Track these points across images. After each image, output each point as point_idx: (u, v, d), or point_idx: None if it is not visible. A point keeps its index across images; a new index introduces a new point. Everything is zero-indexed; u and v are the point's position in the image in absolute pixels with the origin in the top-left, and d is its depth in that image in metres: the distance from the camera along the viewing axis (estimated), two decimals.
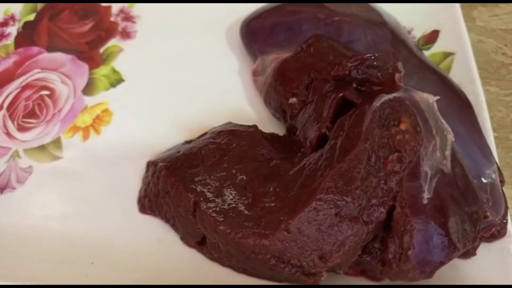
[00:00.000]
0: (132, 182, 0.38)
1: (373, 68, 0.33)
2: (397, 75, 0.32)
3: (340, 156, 0.30)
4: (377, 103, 0.30)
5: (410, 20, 0.47)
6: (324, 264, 0.30)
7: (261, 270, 0.33)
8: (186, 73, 0.43)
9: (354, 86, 0.34)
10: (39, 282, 0.32)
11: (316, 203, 0.29)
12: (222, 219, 0.32)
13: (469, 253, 0.35)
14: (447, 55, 0.45)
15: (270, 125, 0.41)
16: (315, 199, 0.29)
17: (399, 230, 0.30)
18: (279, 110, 0.40)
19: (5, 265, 0.33)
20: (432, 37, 0.47)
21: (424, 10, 0.48)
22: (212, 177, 0.33)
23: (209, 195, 0.33)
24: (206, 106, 0.42)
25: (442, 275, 0.33)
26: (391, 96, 0.30)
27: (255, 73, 0.42)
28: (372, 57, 0.33)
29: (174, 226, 0.35)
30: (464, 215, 0.31)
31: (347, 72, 0.33)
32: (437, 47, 0.46)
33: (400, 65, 0.32)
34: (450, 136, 0.32)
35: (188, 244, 0.35)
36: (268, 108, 0.42)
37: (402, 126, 0.29)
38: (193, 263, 0.34)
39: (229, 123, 0.39)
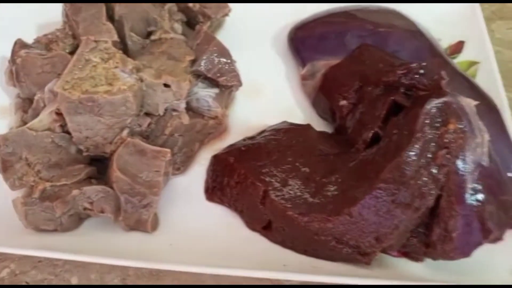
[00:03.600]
0: (196, 175, 0.42)
1: (420, 75, 0.38)
2: (443, 81, 0.36)
3: (397, 151, 0.35)
4: (428, 105, 0.35)
5: (438, 31, 0.53)
6: (379, 245, 0.35)
7: (321, 251, 0.37)
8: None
9: (402, 91, 0.39)
10: (125, 259, 0.36)
11: (376, 192, 0.34)
12: (290, 205, 0.36)
13: (496, 238, 0.40)
14: (472, 64, 0.50)
15: (316, 124, 0.45)
16: (376, 188, 0.34)
17: (445, 215, 0.35)
18: (328, 111, 0.44)
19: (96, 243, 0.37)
20: (458, 47, 0.52)
21: (450, 22, 0.53)
22: (278, 169, 0.38)
23: (276, 185, 0.37)
24: (260, 106, 0.47)
25: (476, 257, 0.37)
26: (440, 100, 0.35)
27: (304, 77, 0.47)
28: (419, 66, 0.38)
29: (241, 212, 0.39)
30: (499, 203, 0.36)
31: (397, 78, 0.38)
32: (463, 57, 0.51)
33: (444, 73, 0.37)
34: (487, 136, 0.37)
35: (253, 228, 0.39)
36: (315, 109, 0.47)
37: (450, 126, 0.34)
38: (258, 245, 0.39)
39: (285, 122, 0.44)
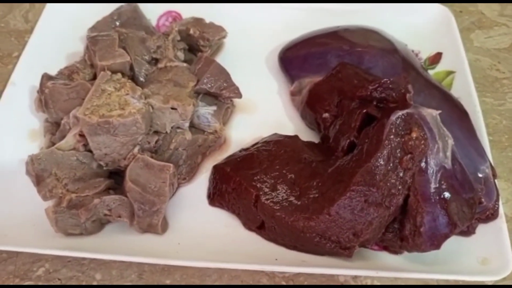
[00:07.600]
0: (200, 183, 0.48)
1: (389, 89, 0.43)
2: (408, 95, 0.41)
3: (367, 158, 0.40)
4: (393, 117, 0.40)
5: (417, 45, 0.57)
6: (357, 239, 0.40)
7: (307, 246, 0.43)
8: None
9: (374, 103, 0.44)
10: (142, 257, 0.42)
11: (350, 193, 0.39)
12: (278, 207, 0.42)
13: (469, 232, 0.44)
14: (449, 73, 0.55)
15: (305, 134, 0.51)
16: (350, 190, 0.39)
17: (412, 212, 0.40)
18: (314, 123, 0.50)
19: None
20: (436, 58, 0.57)
21: (428, 36, 0.58)
22: (268, 176, 0.44)
23: (266, 190, 0.43)
24: (255, 120, 0.53)
25: (450, 249, 0.42)
26: (404, 111, 0.40)
27: (293, 93, 0.53)
28: (388, 81, 0.43)
29: (238, 215, 0.45)
30: (462, 200, 0.41)
31: (369, 93, 0.43)
32: (441, 67, 0.56)
33: (410, 87, 0.42)
34: (450, 141, 0.42)
35: (249, 228, 0.45)
36: (304, 121, 0.52)
37: (413, 134, 0.39)
38: (254, 243, 0.44)
39: (275, 134, 0.49)
